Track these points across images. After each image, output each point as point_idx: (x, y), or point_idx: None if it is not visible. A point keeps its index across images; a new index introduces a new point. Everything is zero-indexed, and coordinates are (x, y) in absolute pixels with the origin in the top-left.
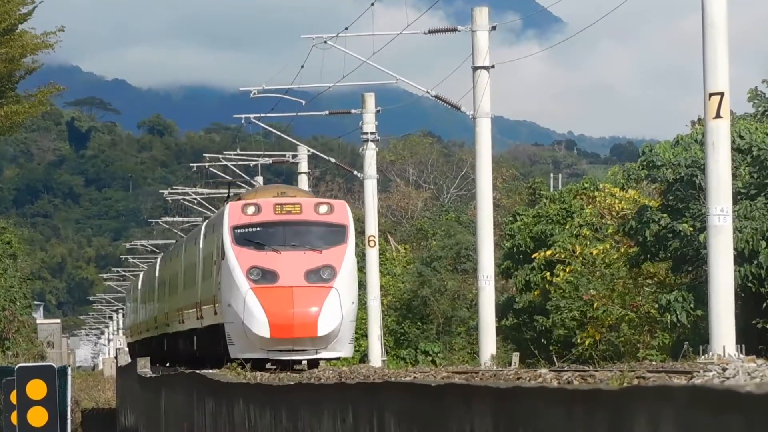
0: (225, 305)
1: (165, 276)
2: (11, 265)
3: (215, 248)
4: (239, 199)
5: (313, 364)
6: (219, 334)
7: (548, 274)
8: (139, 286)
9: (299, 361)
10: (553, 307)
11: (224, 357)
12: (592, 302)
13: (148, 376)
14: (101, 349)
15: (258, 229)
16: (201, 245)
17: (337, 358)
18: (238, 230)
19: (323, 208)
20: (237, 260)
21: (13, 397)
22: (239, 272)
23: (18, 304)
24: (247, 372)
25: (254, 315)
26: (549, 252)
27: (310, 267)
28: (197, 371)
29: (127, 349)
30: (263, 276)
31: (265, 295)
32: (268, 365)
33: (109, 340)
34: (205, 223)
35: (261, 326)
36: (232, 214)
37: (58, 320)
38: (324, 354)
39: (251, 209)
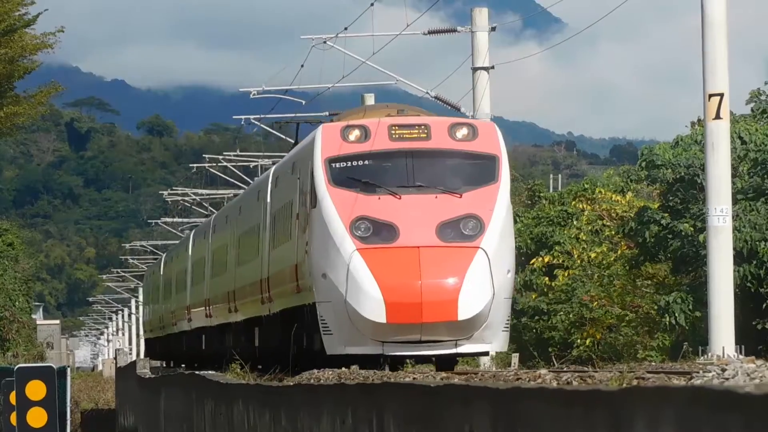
0: (317, 276)
1: (203, 253)
2: (11, 266)
3: (298, 195)
4: (332, 121)
5: (447, 362)
6: (305, 321)
7: (547, 279)
8: (161, 271)
9: (429, 358)
10: (551, 311)
11: (312, 354)
12: (589, 304)
13: (148, 377)
14: (101, 350)
15: (367, 162)
16: (270, 197)
17: (485, 353)
18: (337, 164)
19: (463, 131)
20: (336, 209)
21: (13, 398)
22: (339, 226)
23: (17, 305)
24: (246, 373)
25: (362, 289)
26: (547, 258)
27: (445, 218)
28: (196, 372)
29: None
30: (375, 232)
31: (379, 259)
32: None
33: (108, 341)
34: (274, 168)
35: (373, 306)
36: (326, 142)
37: (58, 321)
38: (467, 347)
39: (356, 134)
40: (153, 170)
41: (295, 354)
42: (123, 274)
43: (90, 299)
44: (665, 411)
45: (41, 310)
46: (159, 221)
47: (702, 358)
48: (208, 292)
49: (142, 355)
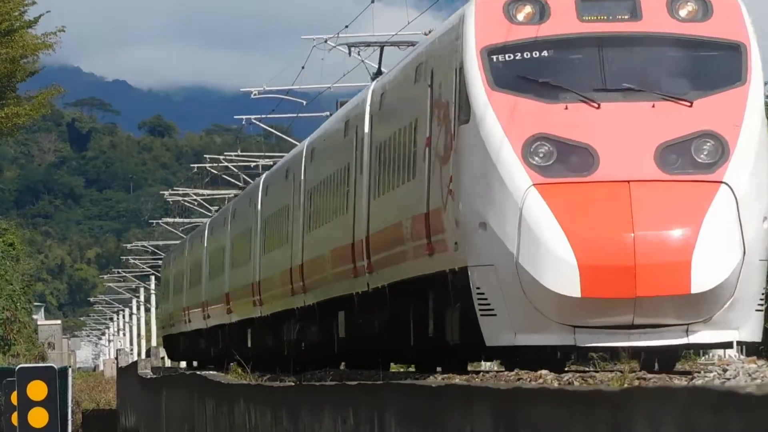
0: (470, 226)
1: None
2: (12, 267)
3: (437, 105)
4: None
5: (667, 359)
6: (443, 295)
7: None
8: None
9: (640, 352)
10: None
11: (455, 346)
12: None
13: (149, 377)
14: (102, 350)
15: (546, 53)
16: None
17: (728, 345)
18: (501, 57)
19: (689, 7)
20: (501, 123)
21: (14, 398)
22: (507, 150)
23: (18, 305)
24: (248, 373)
25: (543, 246)
26: None
27: (668, 138)
28: (197, 372)
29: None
30: (562, 158)
31: (568, 200)
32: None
33: (109, 341)
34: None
35: (560, 272)
36: (483, 23)
37: (59, 321)
38: (703, 335)
39: (527, 11)
40: (154, 170)
41: (438, 345)
42: (124, 274)
43: (91, 299)
44: (666, 411)
45: (42, 310)
46: (160, 221)
47: (703, 358)
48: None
49: (143, 355)
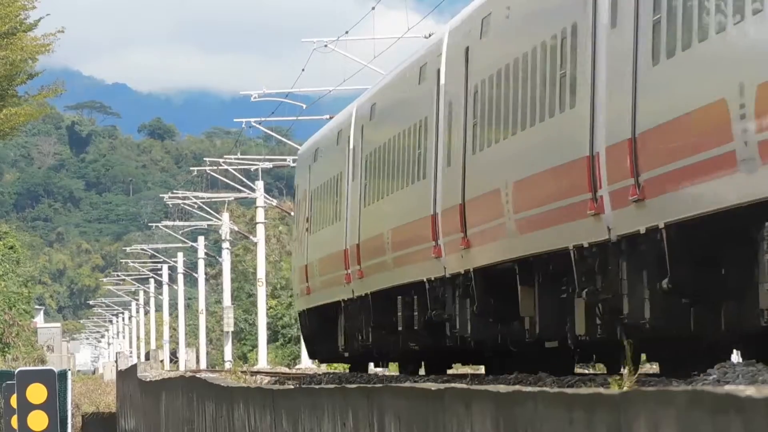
0: None
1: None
2: (12, 269)
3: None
4: None
5: None
6: None
7: None
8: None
9: None
10: None
11: None
12: None
13: (149, 380)
14: (101, 353)
15: None
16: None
17: None
18: None
19: None
20: None
21: (13, 401)
22: None
23: (16, 308)
24: (247, 375)
25: None
26: None
27: None
28: (197, 374)
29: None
30: None
31: None
32: None
33: (109, 344)
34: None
35: None
36: None
37: (59, 324)
38: None
39: None
40: (154, 173)
41: None
42: (123, 277)
43: (91, 302)
44: (666, 414)
45: (42, 313)
46: (160, 224)
47: None
48: None
49: (143, 358)
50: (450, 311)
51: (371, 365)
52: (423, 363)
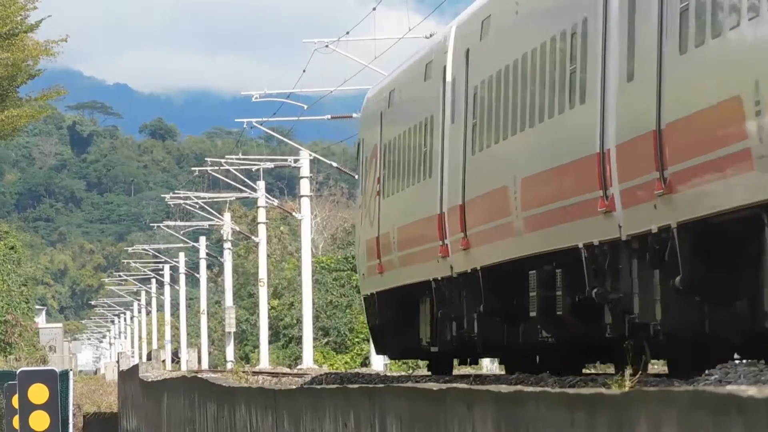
0: None
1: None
2: (13, 270)
3: None
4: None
5: None
6: None
7: None
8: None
9: None
10: None
11: None
12: None
13: (150, 380)
14: (103, 353)
15: None
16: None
17: None
18: None
19: None
20: None
21: (15, 402)
22: None
23: (18, 309)
24: (249, 376)
25: None
26: None
27: None
28: (198, 375)
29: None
30: None
31: None
32: None
33: (110, 345)
34: None
35: None
36: None
37: (60, 324)
38: None
39: None
40: (155, 174)
41: None
42: (125, 277)
43: (93, 303)
44: (667, 415)
45: (44, 313)
46: (161, 225)
47: None
48: None
49: (144, 359)
50: (626, 289)
51: (456, 363)
52: (537, 359)
